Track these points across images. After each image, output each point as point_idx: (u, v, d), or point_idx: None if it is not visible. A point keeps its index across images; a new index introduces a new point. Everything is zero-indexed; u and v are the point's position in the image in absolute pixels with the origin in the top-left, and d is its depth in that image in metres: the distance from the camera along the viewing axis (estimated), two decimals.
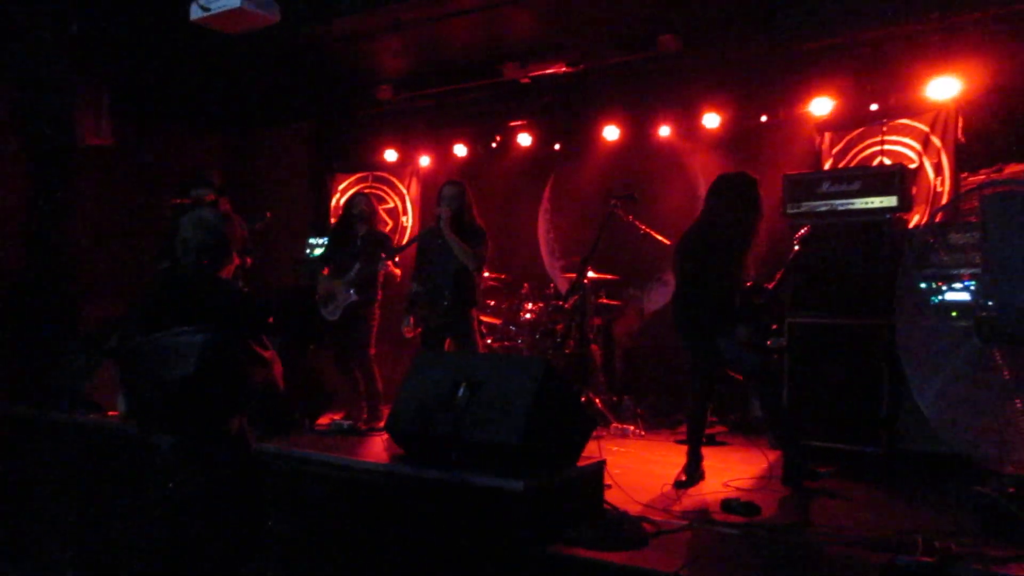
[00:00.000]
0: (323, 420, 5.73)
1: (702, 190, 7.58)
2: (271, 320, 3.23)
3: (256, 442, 3.29)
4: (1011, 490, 3.63)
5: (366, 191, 8.94)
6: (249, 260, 6.17)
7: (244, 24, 4.77)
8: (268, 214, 6.09)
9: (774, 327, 5.28)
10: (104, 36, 6.65)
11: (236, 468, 3.12)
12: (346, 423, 5.51)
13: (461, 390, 3.96)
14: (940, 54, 5.86)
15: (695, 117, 7.19)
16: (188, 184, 6.27)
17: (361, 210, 6.08)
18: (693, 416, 4.87)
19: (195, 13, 4.71)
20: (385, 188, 9.18)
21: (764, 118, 6.95)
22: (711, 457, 4.99)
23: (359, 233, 6.03)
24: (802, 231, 4.89)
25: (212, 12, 4.61)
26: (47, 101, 6.96)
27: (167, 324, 2.97)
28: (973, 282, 4.40)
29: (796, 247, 4.83)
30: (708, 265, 4.56)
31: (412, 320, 5.71)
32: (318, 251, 8.11)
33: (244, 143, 9.45)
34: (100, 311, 7.02)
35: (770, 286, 4.67)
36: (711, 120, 7.11)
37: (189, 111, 8.58)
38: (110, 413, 5.56)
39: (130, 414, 5.21)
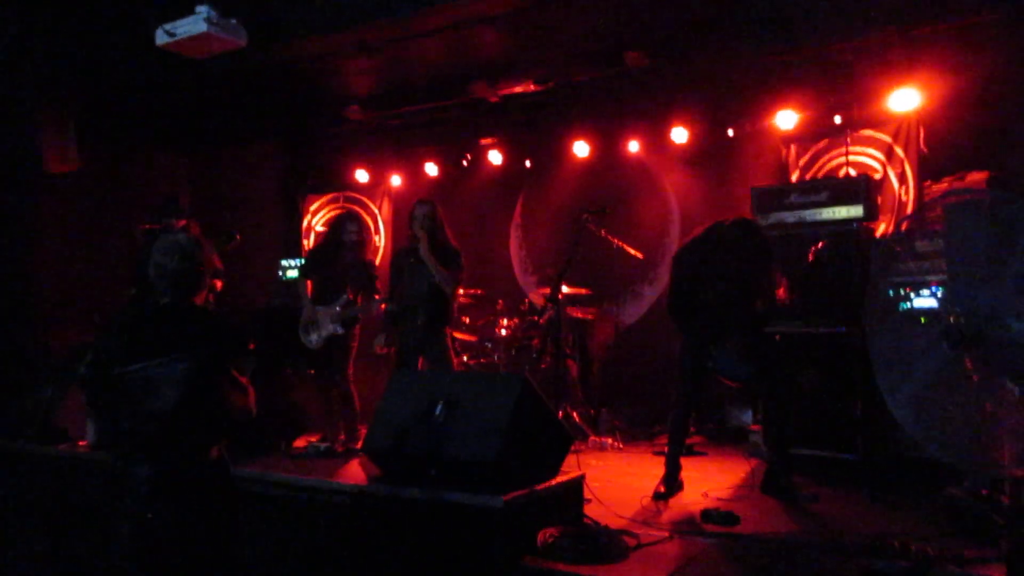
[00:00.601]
0: (299, 442, 5.67)
1: (673, 203, 7.67)
2: (252, 346, 3.21)
3: (233, 467, 3.25)
4: (984, 492, 3.69)
5: (345, 210, 8.89)
6: (219, 283, 6.09)
7: (211, 49, 4.75)
8: (237, 236, 6.01)
9: (776, 337, 5.32)
10: (68, 61, 6.57)
11: (215, 496, 3.08)
12: (323, 445, 5.46)
13: (438, 408, 3.94)
14: (901, 66, 5.99)
15: (664, 132, 7.27)
16: (158, 212, 6.17)
17: (351, 240, 5.93)
18: (677, 422, 4.87)
19: (161, 38, 4.68)
20: (356, 208, 9.16)
21: (731, 132, 7.05)
22: (689, 467, 5.01)
23: (346, 259, 5.96)
24: (819, 244, 4.94)
25: (178, 37, 4.59)
26: (10, 127, 6.86)
27: (145, 353, 2.93)
28: (940, 288, 4.49)
29: (811, 258, 4.87)
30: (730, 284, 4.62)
31: (385, 338, 5.68)
32: (291, 272, 8.07)
33: (213, 165, 9.38)
34: (67, 338, 6.91)
35: (780, 292, 4.71)
36: (679, 134, 7.19)
37: (157, 134, 8.51)
38: (80, 443, 5.45)
39: (101, 443, 5.12)
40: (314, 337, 5.79)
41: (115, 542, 4.44)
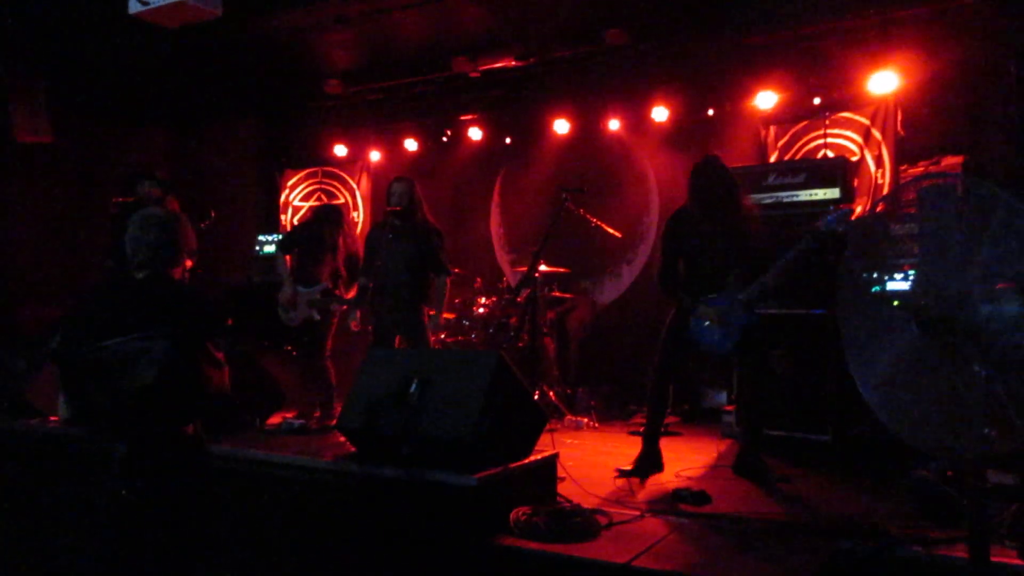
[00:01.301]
0: (274, 419, 5.66)
1: (652, 182, 7.67)
2: (229, 322, 3.18)
3: (207, 444, 3.24)
4: (949, 473, 3.75)
5: (315, 186, 8.85)
6: (189, 262, 6.02)
7: (185, 18, 4.67)
8: (212, 213, 5.95)
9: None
10: (40, 30, 6.43)
11: (190, 473, 3.07)
12: (297, 422, 5.45)
13: (413, 386, 3.94)
14: (879, 50, 6.01)
15: (644, 110, 7.26)
16: (133, 178, 6.04)
17: (347, 228, 6.11)
18: (655, 399, 4.81)
19: (134, 7, 4.59)
20: (335, 183, 9.09)
21: (711, 112, 7.05)
22: (663, 448, 5.02)
23: (340, 247, 5.98)
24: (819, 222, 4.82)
25: (152, 5, 4.50)
26: None
27: (121, 329, 2.88)
28: (913, 272, 4.52)
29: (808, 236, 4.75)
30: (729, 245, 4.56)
31: (360, 314, 5.68)
32: (268, 248, 8.01)
33: (189, 138, 9.27)
34: (39, 312, 6.82)
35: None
36: (659, 114, 7.18)
37: (131, 106, 8.38)
38: (51, 418, 5.40)
39: (74, 419, 5.07)
40: (293, 315, 5.79)
41: (88, 518, 4.42)
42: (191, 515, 3.08)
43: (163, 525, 2.99)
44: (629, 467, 4.69)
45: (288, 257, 5.96)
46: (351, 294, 5.85)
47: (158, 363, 2.82)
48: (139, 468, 2.93)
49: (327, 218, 6.08)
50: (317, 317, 5.74)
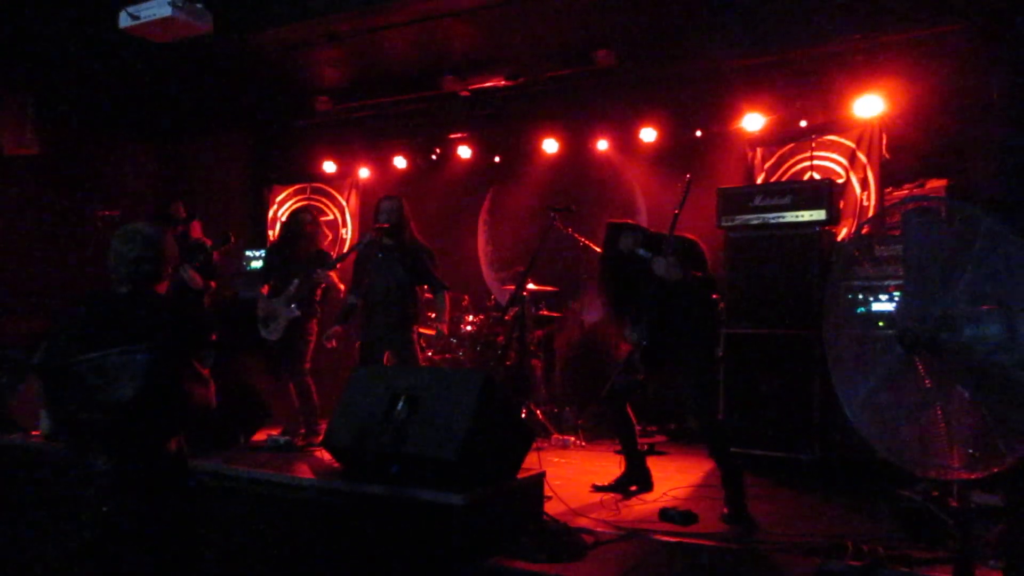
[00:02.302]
0: (259, 436, 5.61)
1: (640, 202, 7.71)
2: (214, 337, 3.15)
3: (191, 460, 3.21)
4: (934, 493, 3.76)
5: (304, 203, 8.84)
6: (213, 283, 6.05)
7: (175, 33, 4.68)
8: (232, 237, 5.96)
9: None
10: (29, 42, 6.42)
11: (174, 490, 3.03)
12: (283, 439, 5.40)
13: (400, 404, 3.93)
14: (865, 73, 6.09)
15: (632, 131, 7.31)
16: (168, 198, 6.29)
17: (304, 229, 5.96)
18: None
19: (124, 21, 4.59)
20: (324, 200, 9.08)
21: (699, 133, 7.11)
22: (650, 467, 5.03)
23: (301, 251, 5.92)
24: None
25: (142, 20, 4.51)
26: None
27: (103, 343, 2.86)
28: (898, 293, 4.57)
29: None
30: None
31: (339, 330, 5.62)
32: (256, 263, 7.98)
33: (178, 153, 9.24)
34: (23, 326, 6.77)
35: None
36: (648, 134, 7.24)
37: (120, 120, 8.36)
38: (33, 433, 5.34)
39: (55, 434, 5.02)
40: (273, 326, 5.75)
41: (69, 534, 4.36)
42: (174, 532, 3.05)
43: (146, 541, 2.95)
44: (604, 483, 4.69)
45: (265, 288, 5.95)
46: (320, 272, 5.75)
47: (138, 378, 2.78)
48: (120, 484, 2.89)
49: (295, 222, 6.06)
50: (298, 312, 5.68)
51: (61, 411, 3.11)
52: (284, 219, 6.57)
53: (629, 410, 4.78)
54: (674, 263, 4.27)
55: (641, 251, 4.44)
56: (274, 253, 6.16)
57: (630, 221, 4.89)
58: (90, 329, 2.95)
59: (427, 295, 6.76)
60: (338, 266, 5.90)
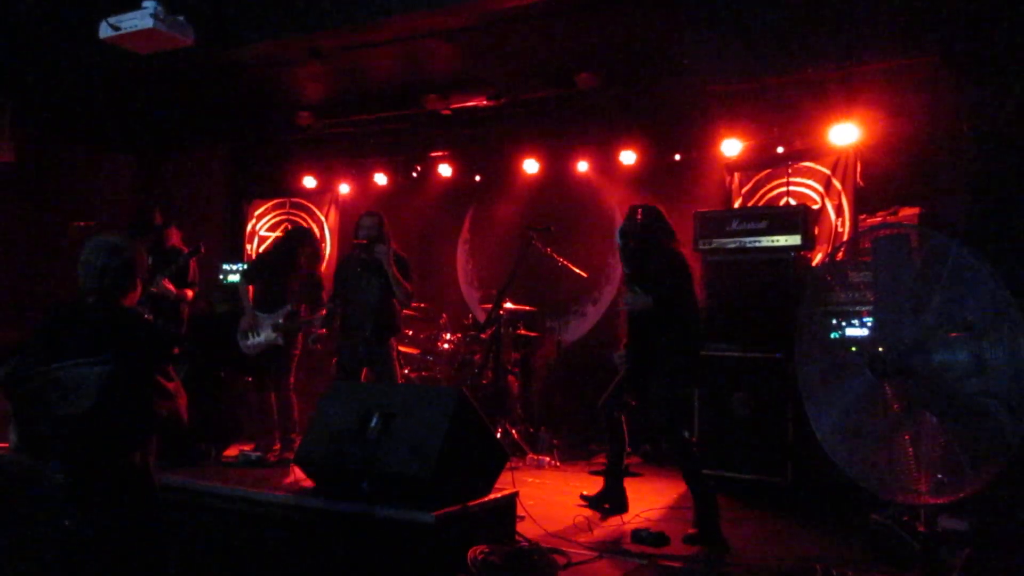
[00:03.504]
0: (231, 451, 5.56)
1: (618, 224, 7.75)
2: (176, 351, 3.10)
3: (160, 474, 3.16)
4: (905, 518, 3.79)
5: (282, 217, 8.82)
6: (190, 292, 6.02)
7: (156, 45, 4.66)
8: (202, 248, 5.95)
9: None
10: (7, 50, 6.37)
11: (137, 505, 2.98)
12: (254, 454, 5.36)
13: (374, 421, 3.91)
14: (840, 102, 6.19)
15: (612, 153, 7.38)
16: (147, 205, 6.31)
17: (315, 251, 6.09)
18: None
19: (105, 31, 4.57)
20: (303, 215, 9.06)
21: (678, 157, 7.19)
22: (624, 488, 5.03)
23: (301, 269, 5.90)
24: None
25: (123, 31, 4.49)
26: None
27: (64, 354, 2.81)
28: (870, 319, 4.62)
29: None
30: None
31: (324, 332, 5.68)
32: (232, 277, 7.93)
33: (156, 165, 9.18)
34: None
35: None
36: (627, 157, 7.30)
37: (98, 131, 8.30)
38: (0, 445, 5.25)
39: (20, 446, 4.93)
40: (251, 342, 5.70)
41: (31, 549, 4.27)
42: (139, 547, 2.99)
43: (109, 556, 2.90)
44: (592, 494, 4.69)
45: (251, 288, 5.90)
46: (314, 317, 5.78)
47: (92, 390, 2.73)
48: (78, 497, 2.84)
49: (300, 241, 6.03)
50: (280, 342, 5.66)
51: (21, 424, 3.06)
52: (285, 230, 6.55)
53: (624, 426, 4.74)
54: (640, 296, 4.36)
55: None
56: (265, 262, 6.15)
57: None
58: (52, 340, 2.91)
59: (408, 311, 6.76)
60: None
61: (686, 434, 4.50)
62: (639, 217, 4.69)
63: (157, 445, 3.16)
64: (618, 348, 4.77)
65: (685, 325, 4.47)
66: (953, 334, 3.02)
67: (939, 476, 2.95)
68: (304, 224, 8.94)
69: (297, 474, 4.49)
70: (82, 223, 6.02)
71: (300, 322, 5.70)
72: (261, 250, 8.93)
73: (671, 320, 4.44)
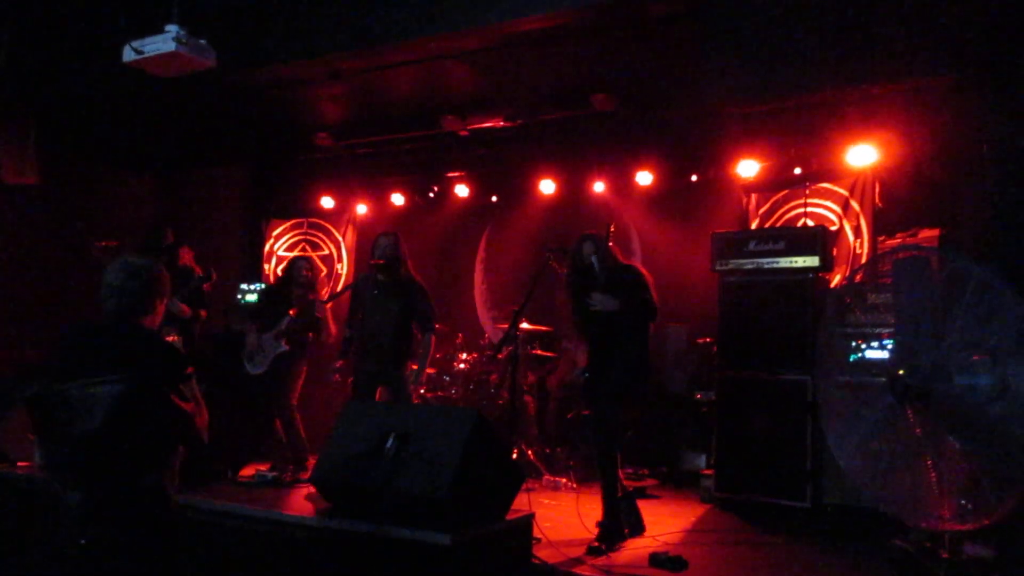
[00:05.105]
0: (247, 471, 5.56)
1: (636, 245, 7.74)
2: (190, 370, 3.09)
3: (177, 494, 3.16)
4: (927, 544, 3.73)
5: (303, 250, 8.90)
6: (203, 312, 6.09)
7: (179, 68, 4.71)
8: (214, 274, 6.07)
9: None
10: (32, 73, 6.49)
11: (152, 525, 2.98)
12: (271, 474, 5.36)
13: (390, 441, 3.90)
14: (858, 124, 6.17)
15: (628, 174, 7.38)
16: (159, 224, 6.45)
17: (303, 276, 6.11)
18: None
19: (128, 55, 4.62)
20: (320, 235, 9.11)
21: (694, 178, 7.18)
22: (641, 510, 4.98)
23: (295, 296, 5.99)
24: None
25: (146, 55, 4.54)
26: None
27: (82, 373, 2.84)
28: (890, 342, 4.58)
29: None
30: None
31: (341, 364, 5.66)
32: (250, 296, 7.98)
33: (177, 185, 9.29)
34: (19, 356, 6.74)
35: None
36: (644, 178, 7.30)
37: (120, 151, 8.41)
38: (20, 464, 5.28)
39: (43, 465, 4.97)
40: (258, 360, 5.77)
41: (52, 568, 4.29)
42: (155, 567, 2.99)
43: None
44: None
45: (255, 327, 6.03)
46: (322, 297, 5.89)
47: (106, 409, 2.74)
48: (94, 517, 2.85)
49: (290, 270, 6.20)
50: (285, 348, 5.71)
51: (41, 443, 3.08)
52: (284, 266, 6.70)
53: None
54: (607, 297, 4.45)
55: (594, 258, 4.54)
56: (268, 295, 6.26)
57: (594, 232, 4.94)
58: (70, 360, 2.94)
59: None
60: (329, 305, 5.94)
61: (617, 454, 4.58)
62: (610, 235, 4.86)
63: (177, 465, 3.16)
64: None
65: (645, 344, 4.60)
66: (976, 357, 2.99)
67: (963, 502, 2.90)
68: (321, 245, 9.01)
69: (313, 494, 4.49)
70: (103, 243, 6.09)
71: (301, 317, 5.74)
72: (279, 272, 9.00)
73: (636, 337, 4.52)
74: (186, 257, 6.30)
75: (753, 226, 6.83)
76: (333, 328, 6.04)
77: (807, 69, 5.46)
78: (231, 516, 4.30)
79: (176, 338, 5.39)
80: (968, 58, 5.26)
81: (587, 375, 4.69)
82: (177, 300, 5.79)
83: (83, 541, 2.85)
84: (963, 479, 2.90)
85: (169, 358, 3.00)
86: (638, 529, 4.70)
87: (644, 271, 4.83)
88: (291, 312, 5.76)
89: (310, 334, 5.95)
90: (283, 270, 6.51)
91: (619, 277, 4.67)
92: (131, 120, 7.55)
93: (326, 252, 9.02)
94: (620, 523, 4.47)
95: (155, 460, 2.97)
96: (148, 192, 9.13)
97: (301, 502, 4.62)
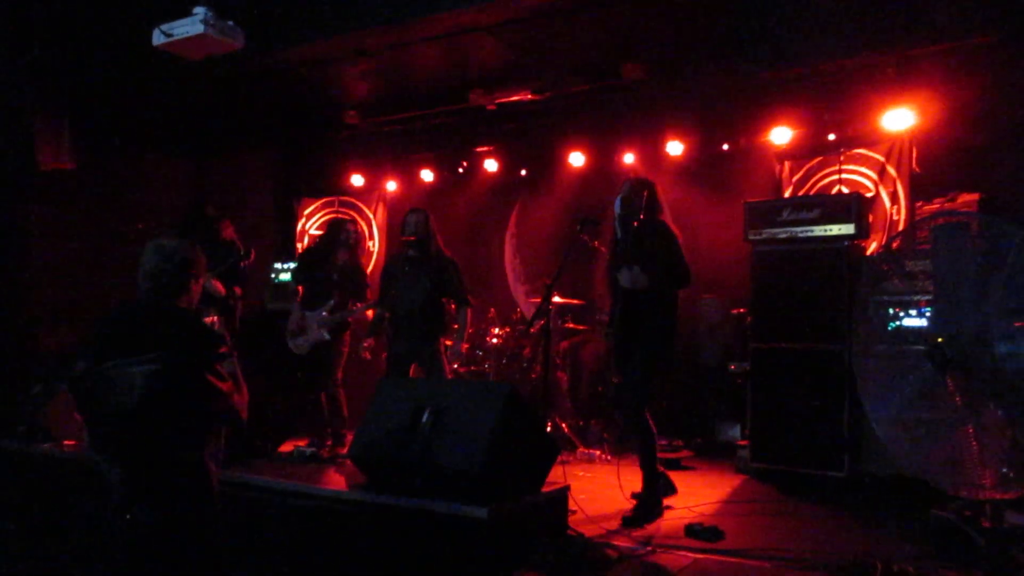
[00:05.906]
0: (286, 447, 5.66)
1: (667, 215, 7.66)
2: (224, 350, 3.13)
3: (217, 470, 3.23)
4: (968, 513, 3.69)
5: (334, 215, 8.94)
6: (239, 289, 6.18)
7: (207, 50, 4.75)
8: (253, 253, 6.12)
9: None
10: (66, 60, 6.57)
11: (193, 501, 3.05)
12: (309, 450, 5.44)
13: (425, 416, 3.94)
14: (895, 87, 6.02)
15: (659, 144, 7.29)
16: (200, 201, 6.62)
17: (347, 238, 6.12)
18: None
19: (158, 39, 4.67)
20: (351, 213, 9.16)
21: (726, 146, 7.07)
22: (676, 482, 4.99)
23: (338, 260, 6.02)
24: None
25: (175, 38, 4.58)
26: (6, 125, 6.85)
27: (116, 353, 2.89)
28: (929, 309, 4.50)
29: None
30: None
31: (372, 341, 5.71)
32: (284, 276, 8.07)
33: (209, 166, 9.38)
34: (57, 338, 6.90)
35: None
36: (674, 148, 7.21)
37: (153, 135, 8.50)
38: (65, 443, 5.43)
39: (88, 445, 5.11)
40: (301, 341, 5.82)
41: (98, 543, 4.42)
42: (199, 541, 3.06)
43: (171, 551, 2.97)
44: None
45: (300, 288, 6.05)
46: (358, 306, 5.90)
47: (141, 387, 2.80)
48: (137, 493, 2.92)
49: (334, 232, 6.19)
50: (327, 336, 5.77)
51: (84, 422, 3.16)
52: (326, 223, 6.71)
53: (648, 417, 4.61)
54: (639, 273, 4.41)
55: (616, 224, 4.71)
56: (308, 258, 6.27)
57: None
58: (108, 340, 3.00)
59: (452, 307, 6.80)
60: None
61: (648, 416, 4.56)
62: (645, 195, 4.75)
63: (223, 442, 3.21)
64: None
65: (674, 310, 4.57)
66: (1018, 323, 2.93)
67: (1004, 470, 2.86)
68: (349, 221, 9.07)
69: (350, 469, 4.56)
70: (141, 225, 6.21)
71: (345, 314, 5.79)
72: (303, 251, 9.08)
73: (665, 303, 4.50)
74: (228, 230, 6.38)
75: (786, 194, 6.72)
76: (370, 313, 6.08)
77: (844, 31, 5.34)
78: (270, 491, 4.38)
79: (215, 318, 5.47)
80: (1012, 16, 5.11)
81: (616, 336, 4.66)
82: (212, 277, 5.85)
83: (128, 517, 2.93)
84: (1006, 448, 2.85)
85: (202, 338, 3.04)
86: (670, 489, 4.71)
87: (674, 230, 4.72)
88: (337, 298, 5.81)
89: (356, 303, 5.98)
90: (325, 230, 6.50)
91: (645, 242, 4.59)
92: (164, 105, 7.62)
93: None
94: (658, 493, 4.46)
95: (193, 437, 3.02)
96: (182, 175, 9.22)
97: (339, 477, 4.69)
